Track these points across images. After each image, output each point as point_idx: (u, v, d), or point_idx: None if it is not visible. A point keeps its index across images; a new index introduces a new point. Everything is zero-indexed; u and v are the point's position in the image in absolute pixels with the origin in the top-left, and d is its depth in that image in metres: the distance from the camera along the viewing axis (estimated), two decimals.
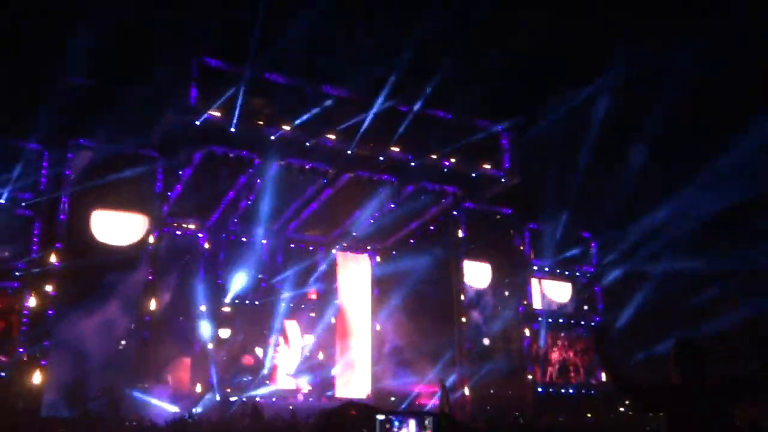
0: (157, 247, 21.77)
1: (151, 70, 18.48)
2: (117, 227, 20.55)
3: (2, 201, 19.80)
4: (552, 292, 27.20)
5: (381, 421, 2.43)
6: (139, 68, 18.34)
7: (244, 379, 25.73)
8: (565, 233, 26.45)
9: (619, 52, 20.31)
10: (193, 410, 21.95)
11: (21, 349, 19.59)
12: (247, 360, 26.15)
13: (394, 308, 27.50)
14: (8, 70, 17.44)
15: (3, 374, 19.41)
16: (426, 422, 2.53)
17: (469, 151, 22.72)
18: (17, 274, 20.07)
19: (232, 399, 24.07)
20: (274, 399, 24.74)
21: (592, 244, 27.99)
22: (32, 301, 19.92)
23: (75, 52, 17.68)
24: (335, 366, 27.61)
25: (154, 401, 20.35)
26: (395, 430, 2.51)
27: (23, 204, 20.14)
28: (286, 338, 27.10)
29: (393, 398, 25.25)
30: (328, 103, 20.27)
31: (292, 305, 27.41)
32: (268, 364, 26.29)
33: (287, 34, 18.70)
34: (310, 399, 25.77)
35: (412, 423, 2.51)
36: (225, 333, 25.87)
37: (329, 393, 26.95)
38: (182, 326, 24.55)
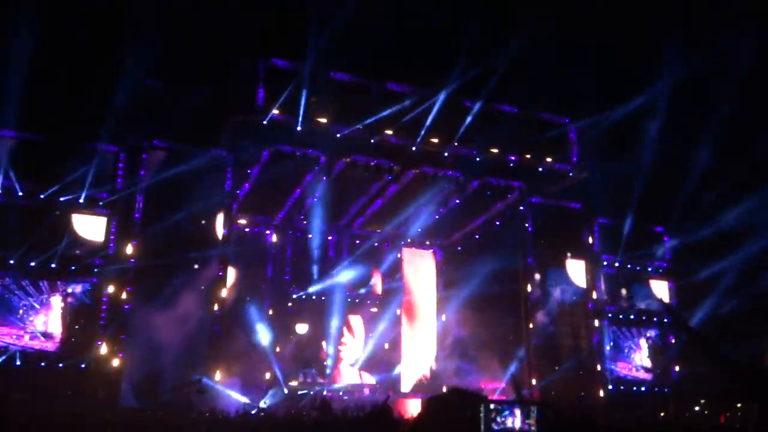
0: (227, 243, 22.31)
1: (220, 71, 18.90)
2: (189, 225, 21.08)
3: (81, 201, 20.64)
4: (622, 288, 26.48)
5: (489, 409, 2.45)
6: (209, 69, 18.77)
7: (312, 371, 26.06)
8: (636, 228, 25.73)
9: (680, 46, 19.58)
10: (262, 402, 22.46)
11: (99, 342, 20.39)
12: (323, 354, 26.51)
13: (459, 304, 27.36)
14: (84, 75, 18.12)
15: (83, 366, 20.25)
16: (530, 412, 2.53)
17: (536, 145, 22.33)
18: (96, 270, 20.91)
19: (300, 392, 24.46)
20: (341, 393, 25.00)
21: (665, 239, 27.10)
22: (110, 296, 20.73)
23: (147, 56, 18.21)
24: (401, 361, 27.66)
25: (229, 392, 20.90)
26: (502, 418, 2.52)
27: (100, 203, 20.96)
28: (351, 332, 27.33)
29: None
30: (393, 99, 20.25)
31: (357, 301, 27.63)
32: (332, 359, 26.58)
33: (352, 32, 18.78)
34: (377, 394, 25.90)
35: (518, 412, 2.52)
36: (302, 328, 26.35)
37: (396, 387, 27.07)
38: (251, 320, 25.09)
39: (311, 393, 24.42)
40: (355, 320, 27.63)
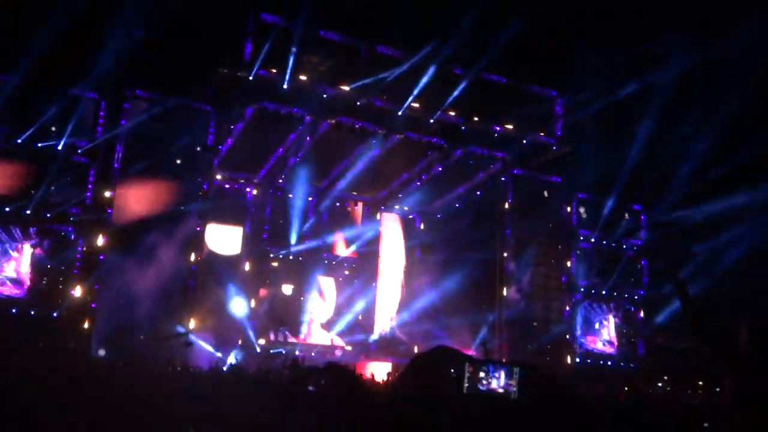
0: (206, 198, 22.13)
1: (208, 24, 18.49)
2: (168, 177, 20.84)
3: (59, 148, 20.25)
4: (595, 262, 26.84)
5: (474, 367, 2.47)
6: (196, 21, 18.35)
7: (284, 331, 26.21)
8: (615, 205, 25.99)
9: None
10: (231, 358, 22.59)
11: (72, 291, 20.26)
12: (296, 314, 26.61)
13: (435, 271, 27.56)
14: (67, 21, 17.59)
15: (55, 314, 20.12)
16: (513, 372, 2.54)
17: (521, 116, 22.29)
18: (72, 219, 20.65)
19: (272, 351, 24.61)
20: (312, 354, 25.17)
21: (642, 218, 27.42)
22: (85, 246, 20.52)
23: (133, 4, 17.74)
24: (374, 324, 27.88)
25: (203, 344, 21.01)
26: (487, 378, 2.54)
27: (79, 151, 20.58)
28: (324, 294, 27.43)
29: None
30: (382, 63, 20.01)
31: (334, 263, 27.69)
32: (306, 319, 26.73)
33: None
34: (348, 356, 26.14)
35: (501, 373, 2.53)
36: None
37: (370, 342, 27.32)
38: (226, 277, 25.05)
39: (283, 352, 24.58)
40: (330, 282, 27.72)
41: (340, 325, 27.16)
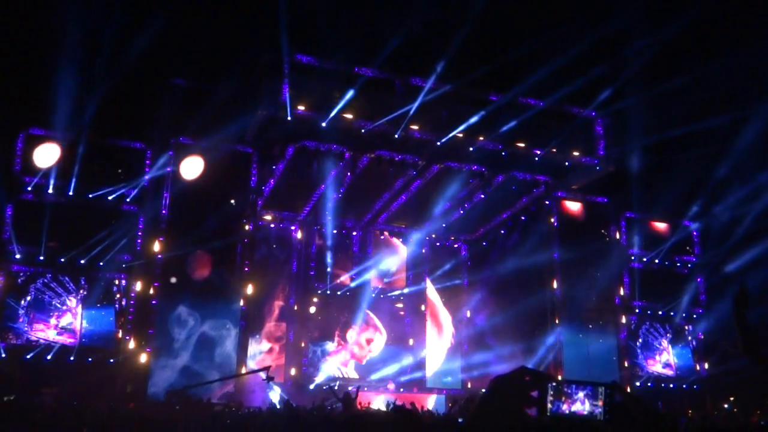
0: (252, 239, 22.48)
1: (246, 68, 18.98)
2: (215, 221, 21.25)
3: (110, 198, 20.93)
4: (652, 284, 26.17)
5: (557, 388, 2.38)
6: (234, 67, 18.86)
7: (340, 367, 26.13)
8: (664, 222, 25.43)
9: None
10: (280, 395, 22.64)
11: (127, 337, 20.70)
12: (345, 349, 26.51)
13: (484, 299, 27.27)
14: (112, 75, 18.29)
15: (112, 360, 20.57)
16: (599, 393, 2.46)
17: (562, 138, 22.08)
18: (124, 266, 21.21)
19: (325, 387, 24.53)
20: (365, 389, 24.99)
21: (694, 234, 26.72)
22: (137, 292, 21.02)
23: (173, 53, 18.36)
24: (425, 356, 27.59)
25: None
26: (569, 399, 2.46)
27: (128, 200, 21.22)
28: (375, 328, 27.31)
29: (484, 389, 24.97)
30: (417, 94, 20.17)
31: (382, 296, 27.62)
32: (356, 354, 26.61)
33: (376, 29, 18.73)
34: (401, 389, 25.91)
35: (582, 394, 2.45)
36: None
37: (420, 377, 27.01)
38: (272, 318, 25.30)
39: (335, 387, 24.48)
40: (378, 315, 27.56)
41: (393, 357, 26.91)
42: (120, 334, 20.88)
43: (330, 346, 26.26)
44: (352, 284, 26.94)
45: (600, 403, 2.73)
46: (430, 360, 27.78)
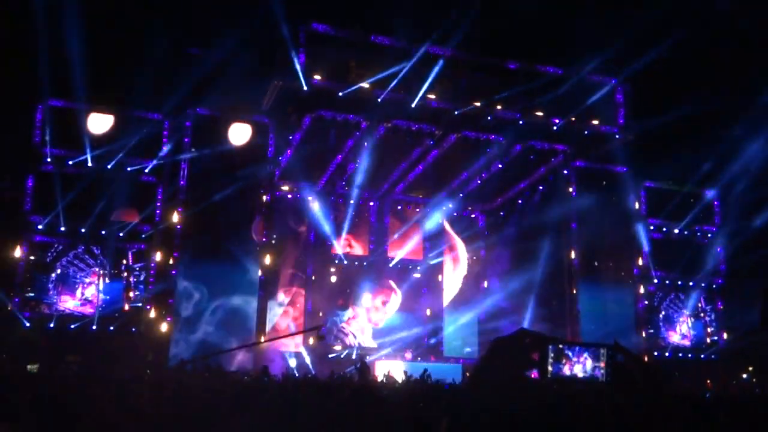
0: (270, 209, 22.57)
1: (262, 38, 18.86)
2: (232, 191, 21.35)
3: (128, 169, 21.06)
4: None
5: (558, 350, 2.37)
6: (251, 36, 18.73)
7: (352, 336, 26.34)
8: (685, 191, 25.14)
9: None
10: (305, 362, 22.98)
11: (148, 306, 20.99)
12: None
13: (501, 269, 27.26)
14: (127, 45, 18.27)
15: (134, 329, 20.91)
16: (600, 354, 2.43)
17: (581, 107, 21.77)
18: (143, 236, 21.42)
19: (332, 356, 24.78)
20: (382, 357, 25.22)
21: (715, 203, 26.40)
22: (157, 262, 21.26)
23: (189, 23, 18.28)
24: (443, 327, 27.72)
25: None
26: (570, 361, 2.43)
27: (146, 170, 21.35)
28: (390, 289, 27.39)
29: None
30: (434, 63, 19.96)
31: (399, 266, 27.69)
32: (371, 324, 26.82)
33: None
34: (419, 358, 26.09)
35: (586, 356, 2.43)
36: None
37: (440, 348, 27.19)
38: (292, 288, 25.51)
39: (352, 357, 24.73)
40: (396, 286, 27.62)
41: (410, 328, 27.05)
42: (126, 306, 21.13)
43: (348, 313, 26.47)
44: (370, 254, 27.02)
45: (602, 364, 2.70)
46: (447, 292, 27.90)
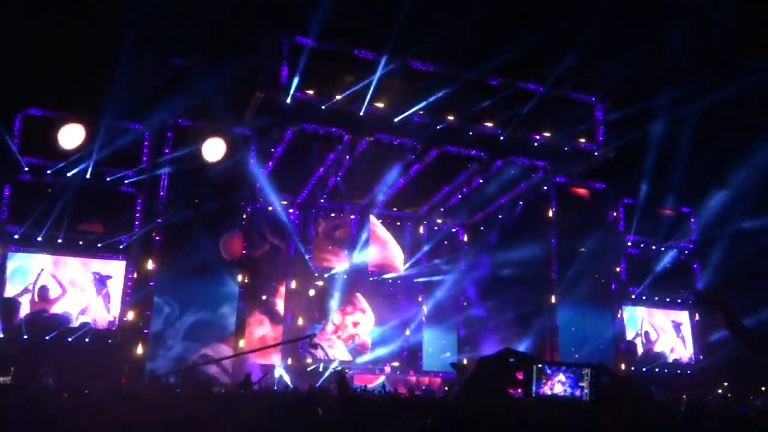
0: (250, 222, 22.51)
1: (245, 50, 18.86)
2: (213, 202, 21.27)
3: (108, 179, 20.88)
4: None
5: (540, 370, 2.38)
6: (233, 48, 18.74)
7: (332, 350, 26.22)
8: (661, 208, 25.47)
9: None
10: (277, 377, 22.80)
11: (125, 319, 20.76)
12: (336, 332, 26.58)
13: (482, 284, 27.34)
14: (108, 53, 18.17)
15: (110, 341, 20.66)
16: (584, 375, 2.43)
17: (561, 124, 22.04)
18: (121, 247, 21.21)
19: (309, 368, 24.63)
20: (354, 371, 25.10)
21: (692, 219, 26.79)
22: (135, 274, 21.05)
23: (172, 34, 18.23)
24: (422, 341, 27.69)
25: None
26: (553, 381, 2.44)
27: (126, 182, 21.18)
28: (362, 310, 27.31)
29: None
30: (416, 78, 20.10)
31: (380, 279, 27.67)
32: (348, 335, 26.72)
33: (373, 9, 18.59)
34: (398, 372, 26.05)
35: (567, 375, 2.42)
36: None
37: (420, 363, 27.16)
38: (271, 300, 25.36)
39: (331, 370, 24.60)
40: (374, 299, 27.55)
41: (388, 342, 26.99)
42: (103, 318, 20.87)
43: (327, 328, 26.37)
44: (349, 268, 26.96)
45: (585, 384, 2.72)
46: (427, 344, 27.85)
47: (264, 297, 25.19)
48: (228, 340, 21.66)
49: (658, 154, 22.71)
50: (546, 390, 2.79)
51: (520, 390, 2.73)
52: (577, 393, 2.76)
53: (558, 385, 2.78)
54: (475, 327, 27.18)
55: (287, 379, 22.98)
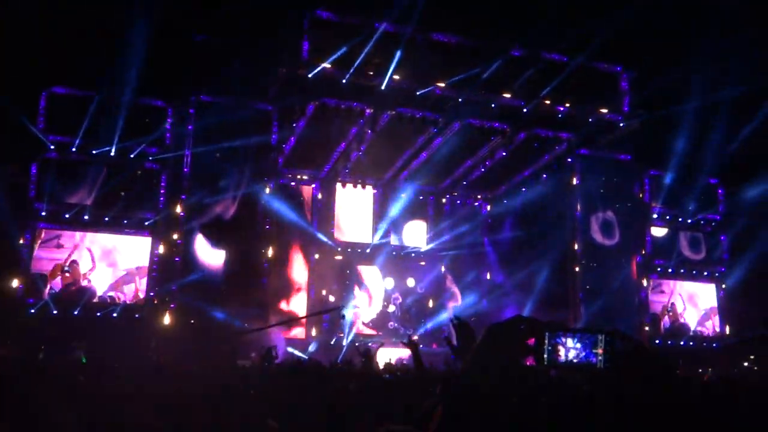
0: (273, 197, 22.58)
1: (267, 25, 18.76)
2: (236, 179, 21.33)
3: (131, 156, 21.04)
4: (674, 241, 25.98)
5: (553, 336, 2.34)
6: (256, 23, 18.64)
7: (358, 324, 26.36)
8: (688, 180, 25.08)
9: None
10: (308, 351, 22.97)
11: (152, 293, 21.05)
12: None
13: (504, 255, 27.24)
14: (131, 31, 18.18)
15: (138, 315, 20.97)
16: (598, 341, 2.38)
17: (586, 95, 21.69)
18: (147, 224, 21.44)
19: (344, 343, 24.79)
20: (383, 343, 25.18)
21: (719, 191, 26.35)
22: (161, 250, 21.29)
23: (194, 10, 18.19)
24: (446, 312, 27.72)
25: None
26: (566, 348, 2.39)
27: (150, 158, 21.33)
28: (384, 285, 27.36)
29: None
30: (439, 51, 19.87)
31: (403, 254, 27.69)
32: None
33: None
34: (421, 345, 26.09)
35: (583, 342, 2.37)
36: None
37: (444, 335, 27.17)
38: (295, 274, 25.50)
39: (356, 344, 24.71)
40: (397, 273, 27.59)
41: (411, 316, 27.08)
42: (130, 294, 21.14)
43: (351, 302, 26.49)
44: (372, 242, 26.99)
45: (600, 350, 2.66)
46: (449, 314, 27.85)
47: (288, 271, 25.32)
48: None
49: (686, 125, 22.31)
50: (561, 356, 2.72)
51: (531, 358, 2.68)
52: (592, 359, 2.69)
53: (573, 351, 2.72)
54: (498, 300, 27.11)
55: (298, 353, 23.11)
